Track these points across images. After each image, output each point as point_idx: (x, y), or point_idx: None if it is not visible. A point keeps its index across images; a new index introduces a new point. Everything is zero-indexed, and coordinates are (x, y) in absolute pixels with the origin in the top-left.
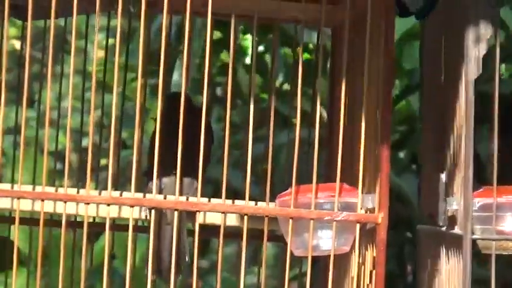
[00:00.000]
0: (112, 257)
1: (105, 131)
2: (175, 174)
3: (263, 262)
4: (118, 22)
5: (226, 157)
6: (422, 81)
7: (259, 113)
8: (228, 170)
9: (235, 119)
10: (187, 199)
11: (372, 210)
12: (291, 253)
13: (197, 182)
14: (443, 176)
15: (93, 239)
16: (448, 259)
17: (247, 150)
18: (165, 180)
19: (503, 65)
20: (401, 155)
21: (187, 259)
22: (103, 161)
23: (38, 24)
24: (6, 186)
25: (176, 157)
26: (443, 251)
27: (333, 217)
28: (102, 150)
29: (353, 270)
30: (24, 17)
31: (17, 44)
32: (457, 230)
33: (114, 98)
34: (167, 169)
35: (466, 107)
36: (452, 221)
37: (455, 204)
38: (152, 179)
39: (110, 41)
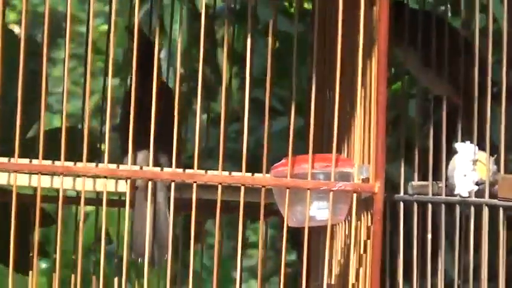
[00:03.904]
0: None
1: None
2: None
3: (260, 236)
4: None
5: (223, 128)
6: None
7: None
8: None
9: (217, 108)
10: (184, 170)
11: (366, 181)
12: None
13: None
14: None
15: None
16: None
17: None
18: (138, 155)
19: None
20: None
21: (166, 256)
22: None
23: (38, 10)
24: (3, 159)
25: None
26: None
27: (330, 187)
28: (102, 135)
29: (349, 240)
30: None
31: (16, 29)
32: None
33: (109, 80)
34: (140, 144)
35: None
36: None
37: None
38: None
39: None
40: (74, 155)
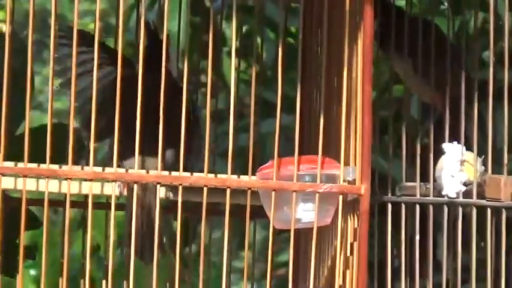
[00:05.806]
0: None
1: None
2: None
3: (246, 238)
4: None
5: (208, 131)
6: None
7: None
8: (215, 158)
9: (220, 106)
10: (170, 173)
11: (352, 183)
12: (278, 234)
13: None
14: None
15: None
16: None
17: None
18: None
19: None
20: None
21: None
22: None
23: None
24: None
25: (150, 134)
26: None
27: (316, 189)
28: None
29: (335, 242)
30: None
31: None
32: None
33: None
34: (149, 146)
35: None
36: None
37: None
38: (123, 158)
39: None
40: (64, 153)
